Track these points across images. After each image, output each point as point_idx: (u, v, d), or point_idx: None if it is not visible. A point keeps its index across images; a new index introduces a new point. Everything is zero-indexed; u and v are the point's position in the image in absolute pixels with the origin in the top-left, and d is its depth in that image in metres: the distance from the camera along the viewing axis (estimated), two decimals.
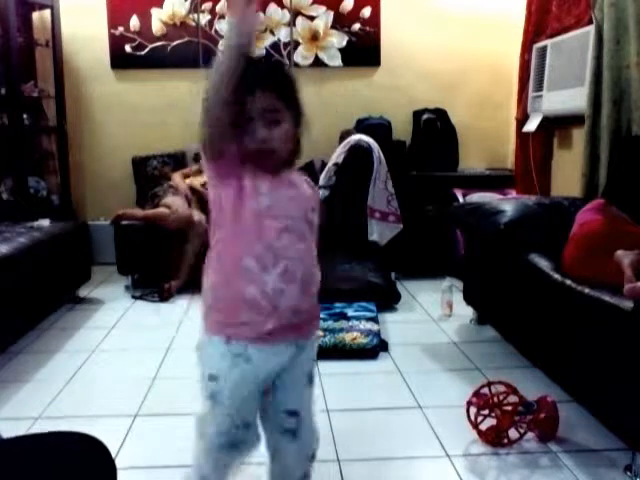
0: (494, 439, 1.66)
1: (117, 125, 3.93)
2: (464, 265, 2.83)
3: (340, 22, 3.83)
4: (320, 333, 1.20)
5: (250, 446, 1.18)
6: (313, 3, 3.81)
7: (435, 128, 3.73)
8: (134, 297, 3.19)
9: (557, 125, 3.27)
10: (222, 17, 3.79)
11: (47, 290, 2.73)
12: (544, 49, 3.18)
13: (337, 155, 3.33)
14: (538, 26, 3.34)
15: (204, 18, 3.80)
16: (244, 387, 1.11)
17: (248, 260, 1.08)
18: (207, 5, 3.79)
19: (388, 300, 2.99)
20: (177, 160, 3.80)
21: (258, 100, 1.08)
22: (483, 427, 1.69)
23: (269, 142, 1.09)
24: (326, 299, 2.85)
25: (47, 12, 3.65)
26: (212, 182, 1.12)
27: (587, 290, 1.66)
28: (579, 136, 2.89)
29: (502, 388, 1.73)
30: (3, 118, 3.44)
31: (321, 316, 2.66)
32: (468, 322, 2.74)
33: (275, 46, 3.84)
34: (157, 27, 3.79)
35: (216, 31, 3.81)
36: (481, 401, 1.71)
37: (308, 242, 1.14)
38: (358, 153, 3.26)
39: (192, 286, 3.05)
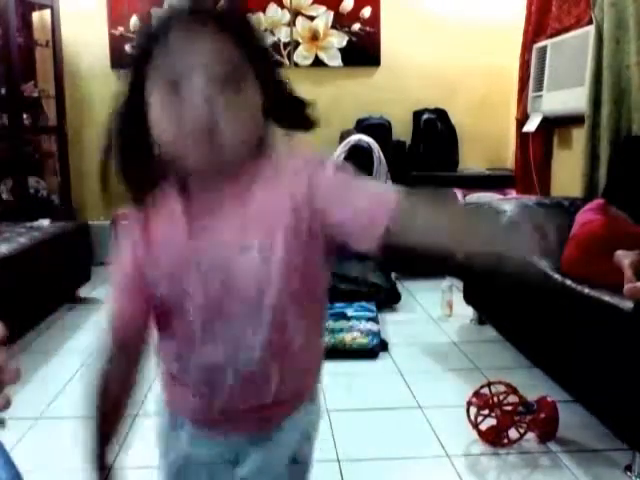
0: (494, 439, 1.67)
1: None
2: (464, 265, 2.83)
3: (340, 22, 3.83)
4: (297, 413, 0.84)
5: None
6: (313, 3, 3.81)
7: (435, 128, 3.72)
8: None
9: (557, 125, 3.27)
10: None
11: (47, 290, 2.73)
12: (544, 49, 3.18)
13: (337, 155, 3.33)
14: (538, 26, 3.33)
15: None
16: (183, 466, 0.86)
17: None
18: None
19: (388, 300, 2.99)
20: None
21: (190, 44, 0.65)
22: (483, 427, 1.69)
23: (210, 121, 0.64)
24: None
25: (47, 12, 3.65)
26: None
27: (587, 290, 1.66)
28: (579, 136, 2.89)
29: (502, 388, 1.73)
30: (3, 118, 3.44)
31: None
32: (468, 322, 2.74)
33: (275, 46, 3.84)
34: None
35: None
36: (481, 401, 1.71)
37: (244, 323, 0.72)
38: (358, 153, 3.26)
39: None
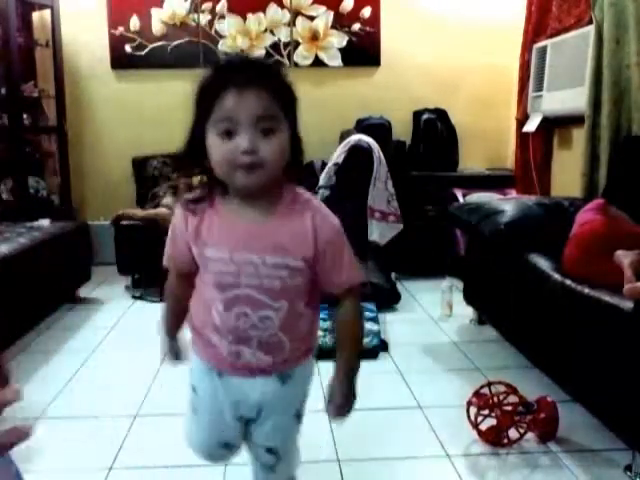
0: (494, 439, 1.67)
1: (117, 125, 3.92)
2: (464, 265, 2.83)
3: (340, 22, 3.83)
4: (319, 339, 1.19)
5: (230, 458, 1.21)
6: (313, 3, 3.81)
7: (435, 128, 3.73)
8: (134, 297, 3.20)
9: (557, 125, 3.27)
10: (222, 17, 3.80)
11: (47, 290, 2.73)
12: (544, 49, 3.18)
13: (337, 155, 3.33)
14: (538, 26, 3.34)
15: (204, 18, 3.80)
16: (217, 402, 1.09)
17: (210, 313, 1.03)
18: (207, 5, 3.79)
19: (388, 300, 2.99)
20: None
21: (241, 101, 0.88)
22: (483, 427, 1.69)
23: (256, 155, 0.90)
24: (326, 299, 2.84)
25: (47, 12, 3.65)
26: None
27: (587, 290, 1.66)
28: (579, 136, 2.89)
29: (502, 388, 1.73)
30: (3, 118, 3.44)
31: (321, 316, 2.65)
32: (468, 322, 2.74)
33: (275, 46, 3.84)
34: (157, 27, 3.79)
35: (216, 31, 3.81)
36: (481, 401, 1.71)
37: (272, 309, 1.00)
38: (358, 153, 3.26)
39: None
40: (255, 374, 1.05)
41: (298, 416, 1.15)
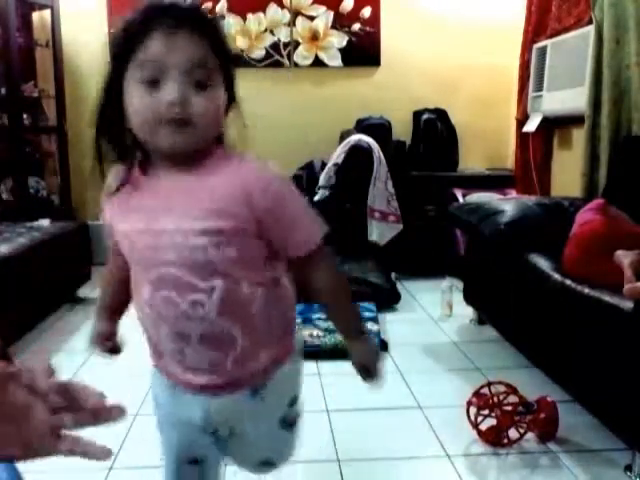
0: (494, 439, 1.66)
1: None
2: (464, 265, 2.83)
3: (340, 22, 3.83)
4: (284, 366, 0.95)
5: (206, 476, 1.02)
6: (313, 3, 3.81)
7: (435, 128, 3.72)
8: None
9: (557, 125, 3.27)
10: (222, 17, 3.79)
11: (47, 290, 2.73)
12: (544, 49, 3.18)
13: (337, 155, 3.33)
14: (538, 26, 3.34)
15: None
16: (181, 417, 0.95)
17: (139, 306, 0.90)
18: (207, 5, 3.79)
19: (388, 300, 2.99)
20: None
21: (172, 44, 0.73)
22: (483, 427, 1.69)
23: (185, 108, 0.75)
24: None
25: (47, 12, 3.65)
26: None
27: (587, 290, 1.66)
28: (579, 136, 2.89)
29: (502, 388, 1.73)
30: (3, 118, 3.43)
31: (321, 316, 2.66)
32: (468, 322, 2.74)
33: (275, 46, 3.84)
34: None
35: None
36: (481, 401, 1.71)
37: (203, 291, 0.81)
38: (358, 153, 3.26)
39: None
40: (209, 391, 0.89)
41: (285, 421, 0.98)
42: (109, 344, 1.06)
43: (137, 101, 0.76)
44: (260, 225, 0.81)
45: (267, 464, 1.04)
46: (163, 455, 1.03)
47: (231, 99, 0.82)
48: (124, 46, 0.75)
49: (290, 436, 1.02)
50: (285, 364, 0.94)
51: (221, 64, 0.78)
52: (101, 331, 1.06)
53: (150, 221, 0.80)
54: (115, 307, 1.03)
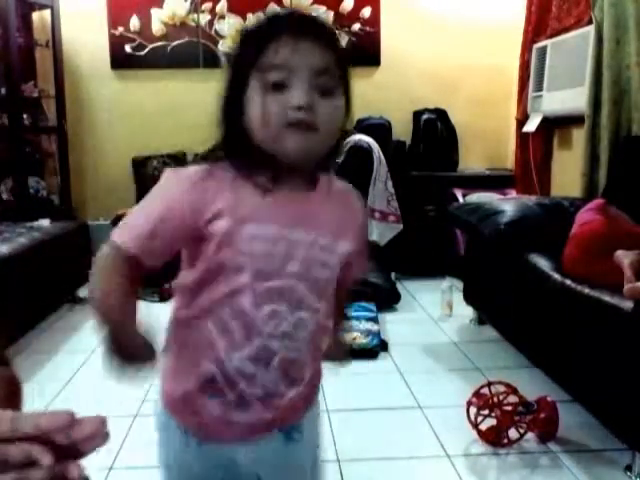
0: (494, 439, 1.67)
1: (117, 125, 3.92)
2: (464, 265, 2.83)
3: (340, 22, 3.83)
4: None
5: None
6: (313, 3, 3.81)
7: (435, 128, 3.72)
8: None
9: (557, 125, 3.27)
10: (222, 17, 3.79)
11: (47, 290, 2.73)
12: (544, 49, 3.18)
13: None
14: (538, 26, 3.34)
15: (204, 18, 3.80)
16: (195, 477, 0.83)
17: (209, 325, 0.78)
18: (207, 5, 3.79)
19: (388, 300, 2.99)
20: (177, 160, 3.80)
21: (300, 49, 0.71)
22: (483, 427, 1.69)
23: (311, 113, 0.72)
24: None
25: (47, 12, 3.65)
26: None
27: (587, 290, 1.66)
28: (579, 136, 2.89)
29: (502, 388, 1.73)
30: (3, 118, 3.43)
31: None
32: (468, 322, 2.74)
33: None
34: (157, 27, 3.79)
35: (216, 31, 3.81)
36: (481, 401, 1.71)
37: (311, 310, 0.78)
38: (358, 153, 3.26)
39: None
40: (257, 432, 0.81)
41: (315, 466, 0.92)
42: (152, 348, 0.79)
43: (263, 105, 0.72)
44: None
45: None
46: None
47: (347, 112, 0.79)
48: (250, 51, 0.73)
49: (321, 476, 0.95)
50: (315, 404, 0.91)
51: (341, 75, 0.76)
52: (139, 341, 0.77)
53: (284, 230, 0.75)
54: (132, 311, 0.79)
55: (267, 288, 0.75)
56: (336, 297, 0.85)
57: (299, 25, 0.73)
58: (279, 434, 0.83)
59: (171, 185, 0.75)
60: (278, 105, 0.71)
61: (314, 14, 0.79)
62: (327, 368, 0.92)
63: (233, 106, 0.75)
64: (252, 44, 0.73)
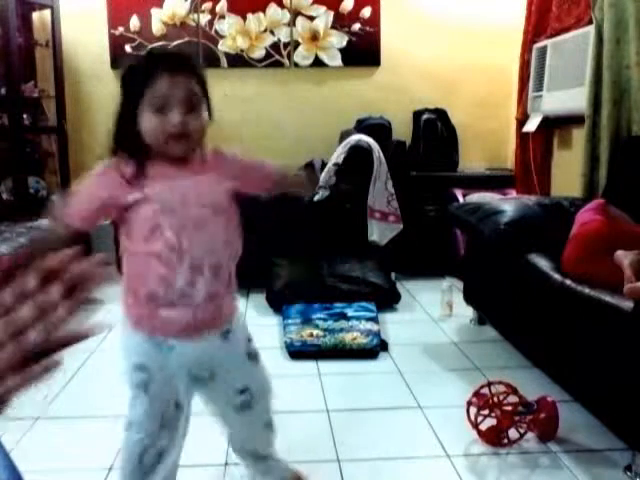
0: (494, 439, 1.67)
1: None
2: (464, 265, 2.83)
3: (340, 22, 3.83)
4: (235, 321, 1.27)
5: (179, 433, 1.23)
6: (313, 3, 3.81)
7: (435, 128, 3.72)
8: None
9: (557, 125, 3.27)
10: (222, 17, 3.80)
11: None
12: (544, 49, 3.18)
13: (337, 155, 3.33)
14: (538, 26, 3.33)
15: (204, 18, 3.80)
16: (168, 372, 1.18)
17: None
18: (207, 5, 3.79)
19: (388, 300, 2.99)
20: None
21: (174, 84, 1.08)
22: (483, 427, 1.69)
23: (185, 127, 1.09)
24: (326, 299, 2.85)
25: (47, 12, 3.65)
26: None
27: (587, 290, 1.66)
28: (579, 136, 2.89)
29: (502, 388, 1.73)
30: (3, 118, 3.43)
31: (321, 316, 2.67)
32: (468, 322, 2.74)
33: (275, 46, 3.84)
34: (157, 27, 3.79)
35: (216, 31, 3.81)
36: (481, 401, 1.71)
37: (211, 227, 1.15)
38: (358, 153, 3.26)
39: None
40: (202, 330, 1.16)
41: (250, 355, 1.29)
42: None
43: (151, 124, 1.09)
44: (237, 182, 1.21)
45: (243, 392, 1.26)
46: (141, 407, 1.20)
47: (210, 116, 1.16)
48: (137, 85, 1.08)
49: (258, 367, 1.31)
50: (238, 312, 1.28)
51: (204, 93, 1.13)
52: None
53: (173, 183, 1.13)
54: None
55: (175, 220, 1.10)
56: (267, 179, 1.27)
57: (171, 63, 1.09)
58: (217, 335, 1.20)
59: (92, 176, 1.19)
60: (161, 124, 1.08)
61: (177, 50, 1.18)
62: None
63: (128, 119, 1.10)
64: (139, 79, 1.09)
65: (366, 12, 3.82)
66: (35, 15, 3.72)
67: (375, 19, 3.83)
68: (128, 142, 1.12)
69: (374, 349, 2.36)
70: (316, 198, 3.27)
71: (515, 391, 1.72)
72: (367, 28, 3.84)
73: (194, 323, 1.15)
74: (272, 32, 3.83)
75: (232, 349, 1.24)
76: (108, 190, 1.13)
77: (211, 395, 1.29)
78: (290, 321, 2.61)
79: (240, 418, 1.29)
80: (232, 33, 3.81)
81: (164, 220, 1.10)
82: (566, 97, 2.97)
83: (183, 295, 1.13)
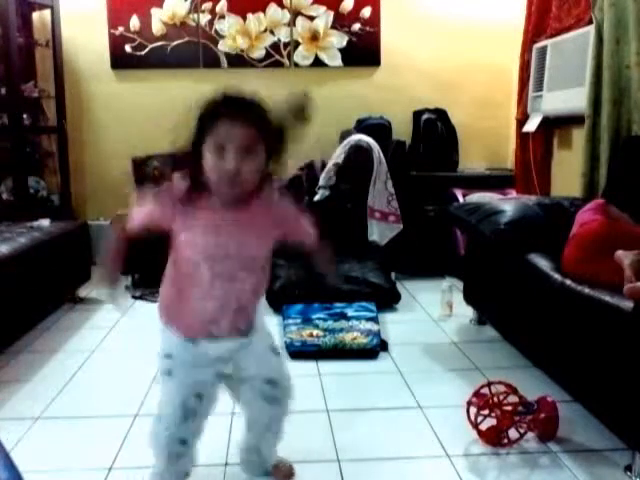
0: (494, 439, 1.66)
1: (117, 125, 3.92)
2: (464, 265, 2.83)
3: (340, 22, 3.83)
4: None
5: (200, 422, 1.35)
6: (313, 3, 3.81)
7: (435, 128, 3.73)
8: (134, 297, 3.19)
9: (557, 125, 3.27)
10: (222, 17, 3.80)
11: (47, 290, 2.73)
12: (544, 49, 3.18)
13: (337, 155, 3.33)
14: (538, 26, 3.34)
15: (204, 18, 3.80)
16: (193, 362, 1.30)
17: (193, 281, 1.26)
18: (207, 5, 3.79)
19: (388, 300, 2.99)
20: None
21: (231, 131, 1.15)
22: (483, 427, 1.69)
23: (237, 173, 1.15)
24: (326, 299, 2.85)
25: (47, 12, 3.65)
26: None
27: (587, 290, 1.66)
28: (579, 136, 2.89)
29: (502, 388, 1.73)
30: (3, 118, 3.44)
31: (321, 316, 2.67)
32: (468, 322, 2.74)
33: (275, 46, 3.84)
34: (157, 27, 3.79)
35: (216, 31, 3.81)
36: (481, 401, 1.71)
37: (242, 280, 1.25)
38: (358, 153, 3.26)
39: None
40: (227, 335, 1.29)
41: (273, 349, 1.43)
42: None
43: (210, 162, 1.17)
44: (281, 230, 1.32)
45: (270, 382, 1.38)
46: (167, 394, 1.33)
47: (279, 151, 1.23)
48: (203, 127, 1.17)
49: (280, 359, 1.44)
50: (258, 313, 1.38)
51: (264, 137, 1.17)
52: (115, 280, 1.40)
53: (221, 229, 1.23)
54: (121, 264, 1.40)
55: (214, 268, 1.23)
56: (308, 236, 1.37)
57: (233, 110, 1.16)
58: (240, 338, 1.31)
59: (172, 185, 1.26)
60: (218, 167, 1.16)
61: (246, 95, 1.19)
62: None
63: (196, 151, 1.18)
64: (206, 120, 1.17)
65: (366, 12, 3.82)
66: (35, 15, 3.72)
67: (375, 19, 3.83)
68: (192, 171, 1.21)
69: (374, 349, 2.36)
70: (316, 198, 3.27)
71: (515, 391, 1.72)
72: (367, 28, 3.84)
73: (217, 335, 1.29)
74: (272, 32, 3.83)
75: (255, 343, 1.35)
76: (161, 207, 1.26)
77: (239, 388, 1.41)
78: (290, 321, 2.61)
79: (269, 408, 1.40)
80: (232, 33, 3.81)
81: (204, 265, 1.23)
82: (566, 97, 2.97)
83: (210, 322, 1.27)
